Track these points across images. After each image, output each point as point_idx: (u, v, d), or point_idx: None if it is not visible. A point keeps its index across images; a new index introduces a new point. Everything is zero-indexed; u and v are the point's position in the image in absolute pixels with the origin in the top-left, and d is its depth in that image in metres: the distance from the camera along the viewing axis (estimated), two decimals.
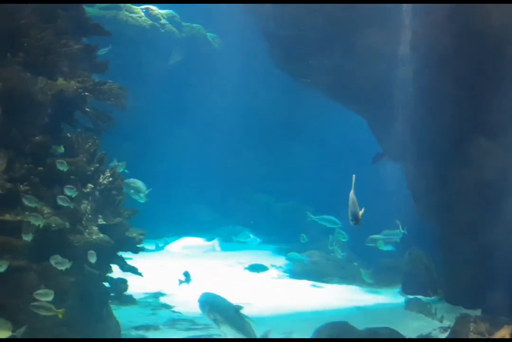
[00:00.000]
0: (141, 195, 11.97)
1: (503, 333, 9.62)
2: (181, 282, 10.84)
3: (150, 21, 21.67)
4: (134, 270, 10.60)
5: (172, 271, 13.62)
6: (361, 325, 9.97)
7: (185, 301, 12.54)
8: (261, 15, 13.82)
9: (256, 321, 7.44)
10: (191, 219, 21.37)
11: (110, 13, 20.85)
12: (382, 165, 15.06)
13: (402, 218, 12.81)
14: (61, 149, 9.35)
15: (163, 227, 20.41)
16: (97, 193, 9.97)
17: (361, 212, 7.04)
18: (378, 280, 15.50)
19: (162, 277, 14.48)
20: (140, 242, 10.45)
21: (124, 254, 11.17)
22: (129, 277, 10.66)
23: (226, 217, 21.39)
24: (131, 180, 11.25)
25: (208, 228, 20.65)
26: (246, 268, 12.39)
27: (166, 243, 18.23)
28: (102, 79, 10.18)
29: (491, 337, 9.92)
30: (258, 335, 7.37)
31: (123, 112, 10.32)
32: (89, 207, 9.68)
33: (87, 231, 9.44)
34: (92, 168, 9.90)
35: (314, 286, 15.36)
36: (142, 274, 11.00)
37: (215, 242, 17.84)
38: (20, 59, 9.09)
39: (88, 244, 9.13)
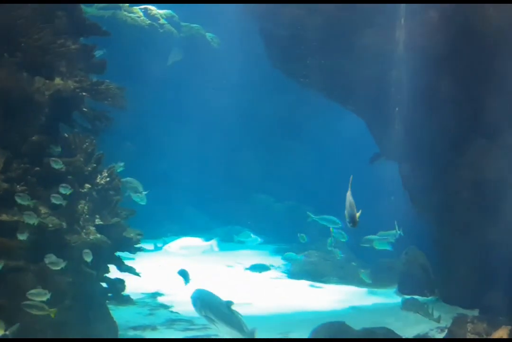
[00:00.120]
0: (140, 195, 11.98)
1: (500, 333, 9.64)
2: (187, 280, 10.61)
3: (149, 21, 21.66)
4: (131, 270, 10.59)
5: (170, 271, 13.59)
6: (358, 325, 9.97)
7: (183, 301, 12.48)
8: (258, 14, 13.83)
9: (254, 321, 7.46)
10: (190, 219, 21.37)
11: (109, 13, 20.85)
12: (380, 165, 15.06)
13: (400, 217, 12.81)
14: (59, 149, 9.35)
15: (162, 227, 20.42)
16: (94, 193, 9.97)
17: (358, 214, 7.03)
18: (376, 280, 15.48)
19: (160, 277, 14.46)
20: (137, 242, 10.45)
21: (126, 254, 11.20)
22: (127, 277, 10.64)
23: (225, 217, 21.38)
24: (128, 179, 11.23)
25: (207, 228, 20.66)
26: (247, 268, 12.34)
27: (165, 243, 18.24)
28: (100, 79, 10.19)
29: (488, 337, 9.92)
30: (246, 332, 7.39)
31: (122, 112, 10.33)
32: (86, 207, 9.68)
33: (84, 231, 9.45)
34: (90, 169, 9.89)
35: (312, 286, 15.35)
36: (140, 274, 11.01)
37: (213, 242, 17.86)
38: (18, 59, 9.10)
39: (85, 244, 9.13)
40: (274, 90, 21.53)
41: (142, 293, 13.54)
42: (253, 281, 15.18)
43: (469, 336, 10.08)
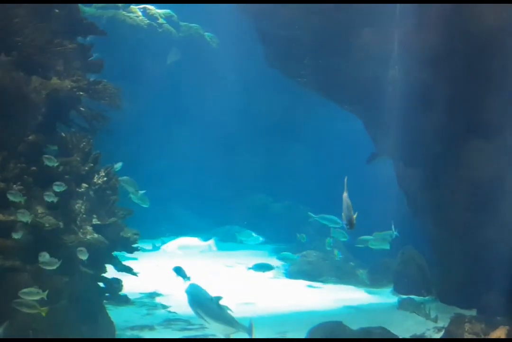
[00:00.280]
0: (142, 197, 11.96)
1: (498, 333, 9.61)
2: (184, 277, 10.51)
3: (148, 21, 21.66)
4: (129, 270, 10.58)
5: (168, 271, 13.57)
6: (355, 324, 9.97)
7: (181, 301, 12.49)
8: (256, 15, 13.84)
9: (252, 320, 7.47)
10: (188, 219, 21.38)
11: (108, 13, 20.85)
12: (378, 165, 15.05)
13: (397, 217, 12.79)
14: (55, 148, 9.35)
15: (160, 226, 20.43)
16: (91, 192, 9.96)
17: (354, 216, 7.02)
18: (374, 280, 15.51)
19: (158, 277, 14.45)
20: (135, 241, 10.43)
21: (128, 255, 11.19)
22: (126, 277, 10.64)
23: (223, 217, 21.38)
24: (124, 178, 11.21)
25: (205, 227, 20.64)
26: (250, 268, 12.30)
27: (163, 243, 18.21)
28: (98, 79, 10.18)
29: (486, 337, 9.90)
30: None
31: (119, 112, 10.32)
32: (83, 207, 9.67)
33: (81, 230, 9.44)
34: (87, 168, 9.89)
35: (310, 286, 15.34)
36: (137, 274, 11.01)
37: (212, 242, 17.83)
38: (14, 58, 9.10)
39: (82, 244, 9.11)
40: (272, 90, 21.54)
41: (140, 293, 13.54)
42: (251, 280, 15.18)
43: (467, 336, 10.05)
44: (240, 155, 22.20)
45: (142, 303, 12.92)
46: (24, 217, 8.29)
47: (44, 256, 8.24)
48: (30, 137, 9.13)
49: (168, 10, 22.50)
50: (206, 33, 22.99)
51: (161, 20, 22.07)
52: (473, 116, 11.44)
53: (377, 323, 10.24)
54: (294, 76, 14.58)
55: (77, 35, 10.37)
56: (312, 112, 21.60)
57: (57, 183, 8.87)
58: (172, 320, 11.79)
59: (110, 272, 10.32)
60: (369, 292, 14.79)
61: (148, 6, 22.10)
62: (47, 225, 8.74)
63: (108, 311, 10.08)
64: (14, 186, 8.63)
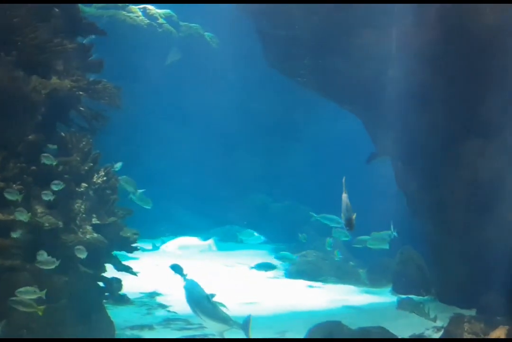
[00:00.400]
0: (138, 193, 11.95)
1: (498, 333, 9.60)
2: (182, 274, 10.49)
3: (148, 21, 21.66)
4: (128, 270, 10.59)
5: (168, 271, 13.59)
6: (354, 324, 9.97)
7: (181, 301, 12.49)
8: (256, 14, 13.85)
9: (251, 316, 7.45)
10: (188, 218, 21.38)
11: (108, 13, 20.85)
12: (377, 165, 15.06)
13: (396, 217, 12.78)
14: (55, 148, 9.35)
15: (160, 226, 20.44)
16: (91, 192, 9.97)
17: (353, 217, 7.00)
18: (373, 280, 15.51)
19: (158, 277, 14.46)
20: (134, 241, 10.45)
21: (129, 254, 11.19)
22: (126, 277, 10.65)
23: (222, 217, 21.39)
24: (123, 177, 11.22)
25: (205, 227, 20.66)
26: (253, 267, 12.30)
27: (163, 243, 18.26)
28: (97, 79, 10.18)
29: (486, 337, 9.89)
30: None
31: (120, 112, 10.33)
32: (83, 206, 9.68)
33: (81, 230, 9.44)
34: (86, 168, 9.89)
35: (310, 286, 15.34)
36: (137, 274, 11.02)
37: (211, 242, 17.86)
38: (14, 58, 9.09)
39: (82, 244, 9.11)
40: (271, 90, 21.54)
41: (140, 293, 13.55)
42: (251, 280, 15.19)
43: (466, 336, 10.03)
44: (240, 155, 22.19)
45: (141, 303, 12.92)
46: (22, 216, 8.29)
47: (42, 255, 8.24)
48: (29, 137, 9.13)
49: (168, 10, 22.50)
50: (206, 33, 22.99)
51: (161, 20, 22.07)
52: (473, 116, 11.45)
53: (376, 322, 10.23)
54: (293, 76, 14.59)
55: (77, 35, 10.37)
56: (312, 112, 21.61)
57: (55, 181, 8.88)
58: (171, 319, 11.79)
59: (110, 271, 10.33)
60: (368, 292, 14.79)
61: (148, 6, 22.11)
62: (46, 225, 8.75)
63: (107, 310, 10.07)
64: (14, 185, 8.63)
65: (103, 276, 10.10)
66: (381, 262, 15.55)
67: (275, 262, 15.62)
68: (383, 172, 14.95)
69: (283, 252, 15.01)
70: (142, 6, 21.96)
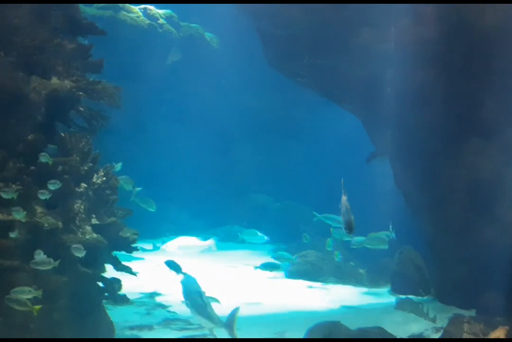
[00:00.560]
0: (135, 191, 11.94)
1: (497, 333, 9.59)
2: (178, 271, 10.41)
3: (148, 21, 21.69)
4: (128, 270, 10.58)
5: (168, 271, 13.59)
6: (353, 324, 9.95)
7: (180, 301, 12.52)
8: (255, 14, 13.86)
9: (251, 320, 7.42)
10: (188, 218, 21.39)
11: (108, 13, 20.88)
12: (377, 164, 15.05)
13: (396, 217, 12.77)
14: (54, 148, 9.36)
15: (160, 226, 20.45)
16: (90, 192, 9.97)
17: (353, 219, 6.98)
18: (372, 280, 15.50)
19: (158, 277, 14.46)
20: (134, 241, 10.43)
21: (136, 254, 11.17)
22: (126, 277, 10.65)
23: (223, 217, 21.40)
24: (123, 176, 11.22)
25: (205, 227, 20.67)
26: (257, 267, 12.29)
27: (163, 243, 18.30)
28: (97, 79, 10.18)
29: (485, 337, 9.88)
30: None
31: (119, 111, 10.33)
32: (82, 207, 9.67)
33: (80, 230, 9.44)
34: (86, 168, 9.88)
35: (310, 286, 15.34)
36: (137, 274, 11.01)
37: (211, 242, 17.90)
38: (13, 58, 9.10)
39: (82, 244, 9.12)
40: (271, 90, 21.56)
41: (140, 293, 13.56)
42: (251, 280, 15.19)
43: (466, 336, 10.02)
44: (240, 155, 22.21)
45: (142, 303, 12.93)
46: (19, 215, 8.29)
47: (39, 254, 8.24)
48: (29, 137, 9.13)
49: (168, 10, 22.53)
50: (206, 33, 23.01)
51: (161, 20, 22.10)
52: (473, 115, 11.44)
53: (375, 323, 10.23)
54: (293, 76, 14.61)
55: (77, 35, 10.36)
56: (312, 112, 21.63)
57: (52, 181, 8.87)
58: (171, 319, 11.80)
59: (110, 271, 10.34)
60: (367, 292, 14.79)
61: (149, 6, 22.14)
62: (46, 225, 8.75)
63: (107, 310, 10.08)
64: (14, 185, 8.64)
65: (103, 276, 10.10)
66: (380, 262, 15.54)
67: (279, 261, 15.65)
68: (382, 172, 14.95)
69: (280, 252, 14.99)
70: (142, 6, 21.99)
